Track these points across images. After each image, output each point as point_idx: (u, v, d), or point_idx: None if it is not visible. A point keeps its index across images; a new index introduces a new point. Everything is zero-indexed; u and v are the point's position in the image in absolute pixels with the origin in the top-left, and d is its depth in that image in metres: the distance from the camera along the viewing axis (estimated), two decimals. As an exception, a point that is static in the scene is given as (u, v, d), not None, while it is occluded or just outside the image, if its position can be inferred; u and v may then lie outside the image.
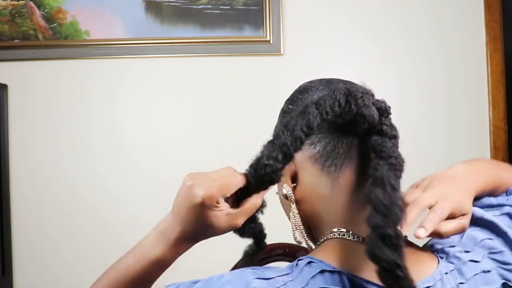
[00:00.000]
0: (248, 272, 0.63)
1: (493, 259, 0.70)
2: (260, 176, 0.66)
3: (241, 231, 0.70)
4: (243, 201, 0.68)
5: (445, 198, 0.66)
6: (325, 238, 0.69)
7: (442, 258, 0.69)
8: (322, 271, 0.63)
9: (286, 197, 0.74)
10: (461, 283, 0.67)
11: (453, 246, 0.71)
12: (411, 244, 0.71)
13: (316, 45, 1.98)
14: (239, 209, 0.67)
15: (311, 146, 0.71)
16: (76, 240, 1.91)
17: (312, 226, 0.74)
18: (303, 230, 0.73)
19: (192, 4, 1.95)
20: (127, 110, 1.95)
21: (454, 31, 1.99)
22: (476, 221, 0.73)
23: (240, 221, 0.67)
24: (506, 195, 0.80)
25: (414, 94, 1.99)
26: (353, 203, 0.70)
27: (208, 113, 1.96)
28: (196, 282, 0.66)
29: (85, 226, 1.91)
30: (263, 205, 0.70)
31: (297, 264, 0.64)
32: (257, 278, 0.61)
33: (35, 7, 1.92)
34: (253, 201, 0.68)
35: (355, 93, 0.68)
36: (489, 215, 0.73)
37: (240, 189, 0.68)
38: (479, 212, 0.74)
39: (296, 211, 0.73)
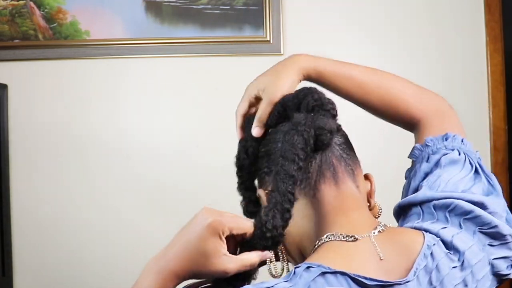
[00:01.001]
0: (249, 286, 0.63)
1: (455, 215, 0.71)
2: (262, 233, 0.66)
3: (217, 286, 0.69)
4: (241, 254, 0.67)
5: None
6: (316, 246, 0.70)
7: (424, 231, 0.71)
8: (323, 273, 0.62)
9: None
10: (450, 253, 0.68)
11: (418, 222, 0.72)
12: (393, 227, 0.73)
13: (316, 45, 1.98)
14: (236, 256, 0.66)
15: None
16: (76, 240, 1.91)
17: (302, 248, 0.75)
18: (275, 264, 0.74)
19: (192, 4, 1.95)
20: (127, 110, 1.95)
21: (454, 31, 1.99)
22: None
23: (231, 268, 0.64)
24: (431, 154, 0.80)
25: (414, 94, 1.98)
26: (336, 209, 0.71)
27: (208, 113, 1.96)
28: None
29: (85, 226, 1.91)
30: (253, 275, 0.68)
31: (294, 272, 0.64)
32: None
33: (35, 7, 1.92)
34: (252, 256, 0.66)
35: (301, 122, 0.72)
36: (432, 193, 0.74)
37: (241, 243, 0.68)
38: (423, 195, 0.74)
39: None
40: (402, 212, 0.78)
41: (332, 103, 0.76)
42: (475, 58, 2.00)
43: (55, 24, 1.92)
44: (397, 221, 0.80)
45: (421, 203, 0.74)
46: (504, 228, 0.71)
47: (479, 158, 0.80)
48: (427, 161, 0.79)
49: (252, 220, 0.68)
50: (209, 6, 1.95)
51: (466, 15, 2.00)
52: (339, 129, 0.76)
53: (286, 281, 0.62)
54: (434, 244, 0.68)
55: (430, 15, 2.00)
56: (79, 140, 1.93)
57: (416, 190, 0.79)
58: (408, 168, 0.86)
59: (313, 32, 1.98)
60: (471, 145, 0.81)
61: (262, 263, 0.68)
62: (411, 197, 0.75)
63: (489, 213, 0.71)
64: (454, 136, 0.80)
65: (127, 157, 1.94)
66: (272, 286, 0.61)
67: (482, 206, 0.71)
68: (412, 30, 2.00)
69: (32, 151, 1.92)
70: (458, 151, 0.78)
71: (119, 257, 1.88)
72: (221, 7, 1.95)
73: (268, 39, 1.94)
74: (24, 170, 1.91)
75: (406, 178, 0.85)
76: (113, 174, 1.93)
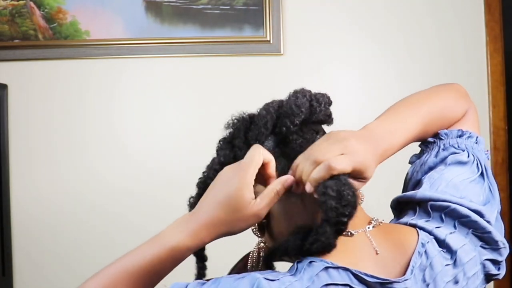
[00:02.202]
0: (256, 272, 0.64)
1: (450, 217, 0.72)
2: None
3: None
4: (263, 191, 0.67)
5: (351, 155, 0.66)
6: None
7: (419, 228, 0.71)
8: (326, 268, 0.63)
9: (253, 232, 0.76)
10: (443, 251, 0.69)
11: (413, 219, 0.73)
12: (387, 223, 0.74)
13: (316, 45, 1.98)
14: (258, 197, 0.66)
15: None
16: (75, 240, 1.91)
17: None
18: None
19: (192, 4, 1.95)
20: (127, 110, 1.95)
21: (454, 31, 1.99)
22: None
23: (261, 210, 0.66)
24: (441, 149, 0.79)
25: (414, 94, 1.98)
26: None
27: (208, 113, 1.96)
28: (203, 284, 0.65)
29: (84, 225, 1.91)
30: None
31: (297, 268, 0.64)
32: (265, 279, 0.62)
33: (35, 7, 1.92)
34: (271, 186, 0.67)
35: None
36: (432, 194, 0.74)
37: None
38: (422, 194, 0.74)
39: (256, 247, 0.76)
40: (399, 206, 0.79)
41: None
42: (475, 58, 2.00)
43: (55, 24, 1.92)
44: (394, 214, 0.81)
45: (419, 201, 0.74)
46: (497, 235, 0.72)
47: (487, 158, 0.80)
48: (435, 155, 0.79)
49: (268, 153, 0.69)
50: (209, 6, 1.95)
51: (466, 15, 2.00)
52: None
53: (291, 275, 0.63)
54: (428, 242, 0.69)
55: (430, 15, 2.00)
56: (79, 140, 1.93)
57: (418, 183, 0.79)
58: (415, 154, 0.85)
59: (313, 32, 1.98)
60: (483, 144, 0.81)
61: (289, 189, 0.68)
62: (410, 194, 0.76)
63: (485, 220, 0.72)
64: (470, 134, 0.80)
65: (127, 157, 1.94)
66: (278, 279, 0.62)
67: (479, 214, 0.72)
68: (412, 30, 1.99)
69: (32, 151, 1.92)
70: (468, 152, 0.78)
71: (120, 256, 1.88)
72: (221, 7, 1.95)
73: (268, 39, 1.94)
74: (24, 170, 1.91)
75: (410, 163, 0.85)
76: (114, 174, 1.93)
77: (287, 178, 0.67)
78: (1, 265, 1.81)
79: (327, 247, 0.63)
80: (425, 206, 0.74)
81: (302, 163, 0.66)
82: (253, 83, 1.95)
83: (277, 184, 0.67)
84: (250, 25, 1.94)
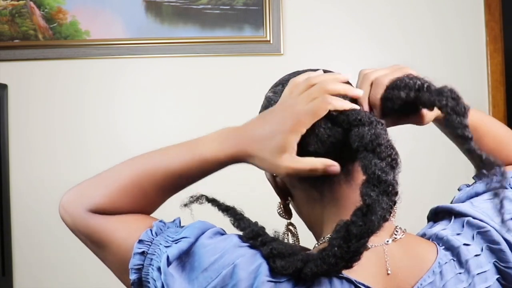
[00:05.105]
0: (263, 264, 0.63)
1: (482, 238, 0.70)
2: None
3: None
4: (307, 158, 0.65)
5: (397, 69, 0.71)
6: (323, 241, 0.69)
7: (439, 245, 0.69)
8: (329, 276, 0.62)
9: (279, 215, 0.76)
10: (459, 273, 0.67)
11: (445, 229, 0.71)
12: (409, 235, 0.71)
13: (316, 44, 1.98)
14: (302, 158, 0.63)
15: None
16: (76, 240, 1.90)
17: (313, 230, 0.74)
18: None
19: (192, 4, 1.95)
20: (126, 110, 1.95)
21: (454, 31, 1.99)
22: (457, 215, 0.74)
23: (294, 167, 0.63)
24: (494, 182, 0.80)
25: (414, 94, 1.99)
26: (350, 207, 0.68)
27: (208, 113, 1.96)
28: (221, 235, 0.66)
29: (85, 226, 1.91)
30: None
31: None
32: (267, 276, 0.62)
33: (35, 7, 1.92)
34: (315, 160, 0.63)
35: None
36: (466, 208, 0.73)
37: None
38: (463, 207, 0.74)
39: (285, 229, 0.75)
40: (436, 214, 0.77)
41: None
42: (475, 58, 2.00)
43: (55, 24, 1.92)
44: (428, 220, 0.79)
45: (457, 214, 0.73)
46: None
47: None
48: (485, 184, 0.79)
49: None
50: (209, 6, 1.95)
51: (466, 15, 2.00)
52: None
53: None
54: (445, 263, 0.67)
55: (430, 15, 2.00)
56: (79, 139, 1.93)
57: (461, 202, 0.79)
58: (466, 184, 0.85)
59: (313, 31, 1.98)
60: None
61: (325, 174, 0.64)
62: (449, 206, 0.75)
63: None
64: None
65: (127, 157, 1.93)
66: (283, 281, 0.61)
67: (510, 245, 0.70)
68: (413, 30, 1.99)
69: (32, 150, 1.92)
70: None
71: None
72: (221, 7, 1.95)
73: (268, 39, 1.94)
74: (24, 170, 1.91)
75: (459, 190, 0.84)
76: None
77: (331, 165, 0.63)
78: (1, 265, 1.81)
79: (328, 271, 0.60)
80: (461, 220, 0.72)
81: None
82: (253, 83, 1.95)
83: (319, 162, 0.63)
84: (250, 25, 1.94)
